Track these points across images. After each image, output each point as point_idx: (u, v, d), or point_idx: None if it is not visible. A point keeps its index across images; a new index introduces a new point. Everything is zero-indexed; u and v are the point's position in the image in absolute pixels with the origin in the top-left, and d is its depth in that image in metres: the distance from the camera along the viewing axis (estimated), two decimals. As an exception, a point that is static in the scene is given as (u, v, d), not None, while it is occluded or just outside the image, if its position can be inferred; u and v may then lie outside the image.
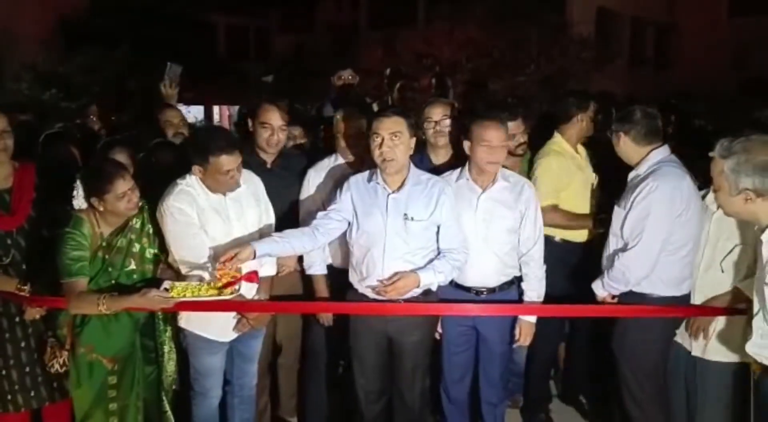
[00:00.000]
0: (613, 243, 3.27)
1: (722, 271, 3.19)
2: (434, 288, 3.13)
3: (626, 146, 3.28)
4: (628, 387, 3.28)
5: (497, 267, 3.29)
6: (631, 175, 3.26)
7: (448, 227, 3.10)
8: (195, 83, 13.06)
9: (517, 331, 3.39)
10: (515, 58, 12.88)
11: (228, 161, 2.98)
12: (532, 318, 3.37)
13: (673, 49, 19.17)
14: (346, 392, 3.75)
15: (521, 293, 3.36)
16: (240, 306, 3.16)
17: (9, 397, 3.25)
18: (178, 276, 3.06)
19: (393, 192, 3.08)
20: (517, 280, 3.38)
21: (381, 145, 3.01)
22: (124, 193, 2.94)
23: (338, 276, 3.40)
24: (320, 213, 3.18)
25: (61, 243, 2.92)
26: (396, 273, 3.01)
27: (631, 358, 3.25)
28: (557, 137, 3.98)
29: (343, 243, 3.29)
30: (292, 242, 3.06)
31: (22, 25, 12.91)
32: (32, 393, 3.28)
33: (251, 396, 3.44)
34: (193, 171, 3.01)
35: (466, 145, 3.26)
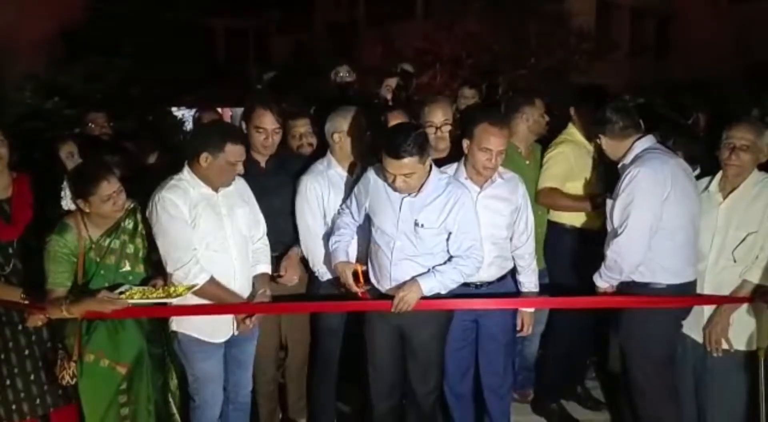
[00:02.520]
0: (609, 234, 3.25)
1: (734, 261, 3.18)
2: (442, 291, 3.11)
3: (608, 146, 3.30)
4: (636, 380, 3.26)
5: (496, 261, 3.35)
6: (619, 166, 3.26)
7: (458, 235, 3.08)
8: (196, 86, 13.12)
9: (518, 322, 3.48)
10: (515, 52, 12.84)
11: (240, 152, 3.04)
12: (532, 308, 3.50)
13: (674, 37, 19.07)
14: (356, 393, 3.78)
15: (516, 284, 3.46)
16: (246, 307, 3.17)
17: (14, 406, 3.26)
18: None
19: (409, 195, 3.06)
20: (510, 272, 3.46)
21: (394, 181, 2.98)
22: (109, 196, 2.96)
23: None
24: (347, 219, 3.28)
25: (45, 250, 2.97)
26: (399, 287, 3.04)
27: (639, 350, 3.23)
28: (571, 128, 3.99)
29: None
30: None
31: (22, 35, 12.95)
32: (38, 401, 3.29)
33: (246, 404, 3.41)
34: (200, 159, 3.00)
35: (465, 143, 3.25)
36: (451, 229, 3.06)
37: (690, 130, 4.22)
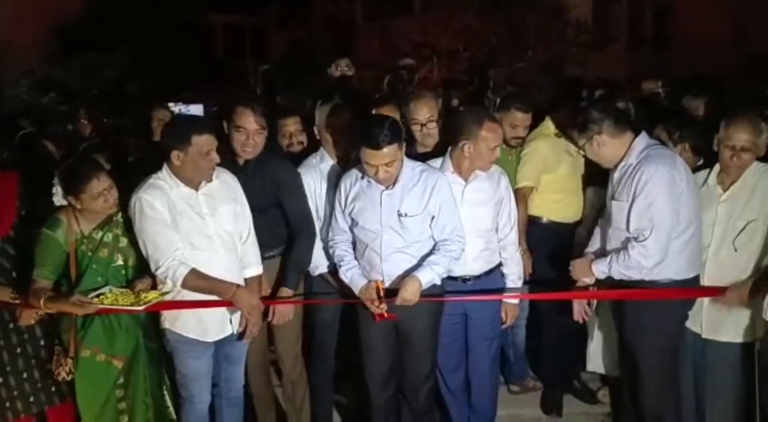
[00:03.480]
0: (615, 236, 3.18)
1: (735, 250, 3.16)
2: (438, 282, 3.16)
3: (606, 145, 3.17)
4: (642, 373, 3.22)
5: (484, 255, 3.36)
6: (621, 166, 3.16)
7: (441, 218, 3.12)
8: (194, 83, 13.09)
9: (503, 314, 3.47)
10: (513, 45, 12.81)
11: (209, 141, 2.95)
12: (516, 300, 3.48)
13: (672, 28, 19.02)
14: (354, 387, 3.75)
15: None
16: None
17: (8, 404, 3.24)
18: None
19: (386, 188, 3.11)
20: (499, 265, 3.45)
21: (377, 172, 3.01)
22: (100, 193, 2.97)
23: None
24: (339, 237, 3.25)
25: (35, 242, 3.01)
26: (395, 282, 3.07)
27: (647, 344, 3.19)
28: (547, 121, 3.99)
29: None
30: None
31: (18, 32, 12.92)
32: (31, 399, 3.28)
33: (239, 398, 3.36)
34: (171, 158, 2.95)
35: (467, 148, 3.21)
36: (434, 213, 3.10)
37: (695, 121, 4.19)
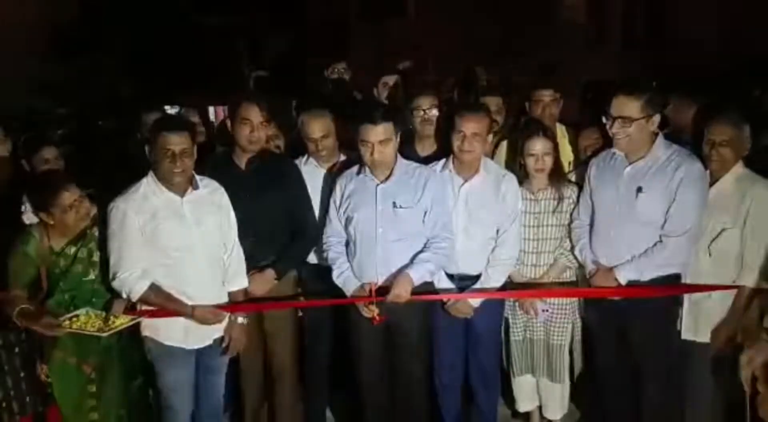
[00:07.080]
0: (638, 231, 3.12)
1: (710, 255, 3.17)
2: (429, 278, 3.19)
3: (649, 131, 3.09)
4: (653, 377, 3.22)
5: (479, 255, 3.35)
6: (649, 160, 3.10)
7: (432, 213, 3.17)
8: (189, 85, 13.09)
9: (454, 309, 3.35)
10: (507, 47, 12.86)
11: (171, 139, 2.85)
12: (477, 302, 3.33)
13: (666, 29, 19.07)
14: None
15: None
16: (230, 307, 3.14)
17: (4, 404, 3.25)
18: None
19: (381, 182, 3.18)
20: None
21: (372, 152, 3.08)
22: (71, 205, 2.90)
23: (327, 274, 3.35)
24: (334, 239, 3.29)
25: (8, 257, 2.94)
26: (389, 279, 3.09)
27: (657, 348, 3.21)
28: None
29: None
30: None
31: (11, 34, 12.89)
32: (27, 399, 3.29)
33: (217, 407, 3.28)
34: (150, 158, 2.92)
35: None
36: (427, 207, 3.16)
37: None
